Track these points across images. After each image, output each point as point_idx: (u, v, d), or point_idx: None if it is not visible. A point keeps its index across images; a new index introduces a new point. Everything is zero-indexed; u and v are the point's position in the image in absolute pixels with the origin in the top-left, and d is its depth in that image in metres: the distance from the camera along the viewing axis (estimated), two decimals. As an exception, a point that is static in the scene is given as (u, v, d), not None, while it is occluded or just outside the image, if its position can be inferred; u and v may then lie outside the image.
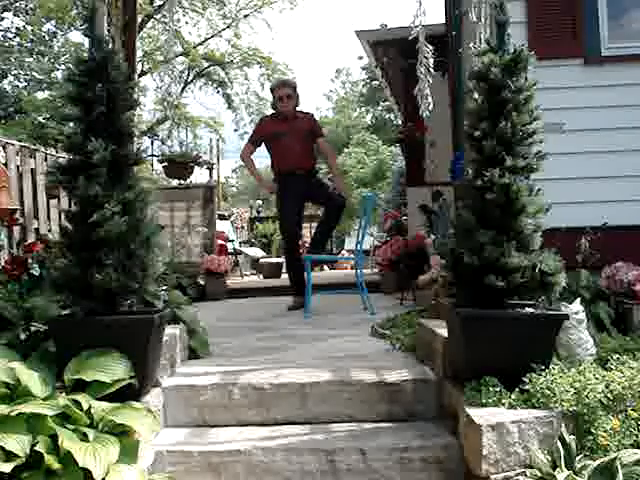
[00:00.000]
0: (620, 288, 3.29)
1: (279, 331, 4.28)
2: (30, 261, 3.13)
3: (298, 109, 5.45)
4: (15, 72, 18.72)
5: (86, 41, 2.62)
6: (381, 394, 2.69)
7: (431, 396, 2.70)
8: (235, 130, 22.18)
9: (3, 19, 18.15)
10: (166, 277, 3.11)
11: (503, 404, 2.27)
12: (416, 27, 3.46)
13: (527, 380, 2.32)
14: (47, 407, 2.07)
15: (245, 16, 18.85)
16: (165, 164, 7.40)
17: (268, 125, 5.45)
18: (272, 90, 5.47)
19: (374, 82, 26.40)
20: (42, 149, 5.51)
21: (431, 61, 3.50)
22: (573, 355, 2.61)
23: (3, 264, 3.33)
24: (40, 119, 15.12)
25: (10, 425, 1.98)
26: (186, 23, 18.56)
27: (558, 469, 2.06)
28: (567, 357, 2.59)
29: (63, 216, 2.68)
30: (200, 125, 21.91)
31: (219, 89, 21.50)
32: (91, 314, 2.52)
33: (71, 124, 2.60)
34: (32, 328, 2.71)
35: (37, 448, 1.95)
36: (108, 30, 3.27)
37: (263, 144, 5.48)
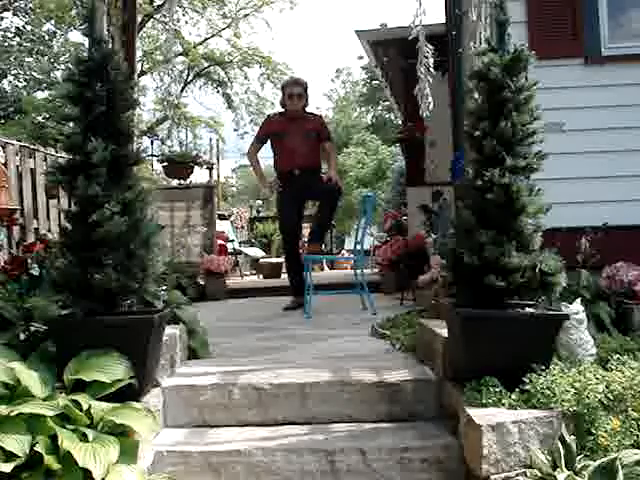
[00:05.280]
0: (620, 288, 3.29)
1: (279, 331, 4.28)
2: (30, 261, 3.13)
3: (308, 110, 5.44)
4: (15, 72, 18.73)
5: (86, 41, 2.62)
6: (381, 394, 2.69)
7: (431, 396, 2.70)
8: (235, 130, 22.20)
9: (3, 19, 18.15)
10: (166, 277, 3.10)
11: (503, 404, 2.27)
12: (416, 27, 3.45)
13: (527, 380, 2.32)
14: (47, 407, 2.07)
15: (245, 16, 18.89)
16: (165, 164, 7.40)
17: (273, 123, 5.44)
18: (283, 87, 5.46)
19: (374, 82, 26.39)
20: (41, 149, 5.51)
21: (431, 61, 3.50)
22: (573, 355, 2.61)
23: (3, 264, 3.33)
24: (39, 119, 15.13)
25: (10, 425, 1.98)
26: (186, 23, 18.63)
27: (558, 469, 2.06)
28: (567, 357, 2.59)
29: (63, 216, 2.67)
30: (200, 125, 21.92)
31: (219, 89, 21.51)
32: (91, 314, 2.52)
33: (71, 124, 2.59)
34: (32, 328, 2.71)
35: (37, 448, 1.95)
36: (108, 30, 3.27)
37: (269, 142, 5.47)
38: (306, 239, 5.97)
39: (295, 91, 5.28)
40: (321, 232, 5.46)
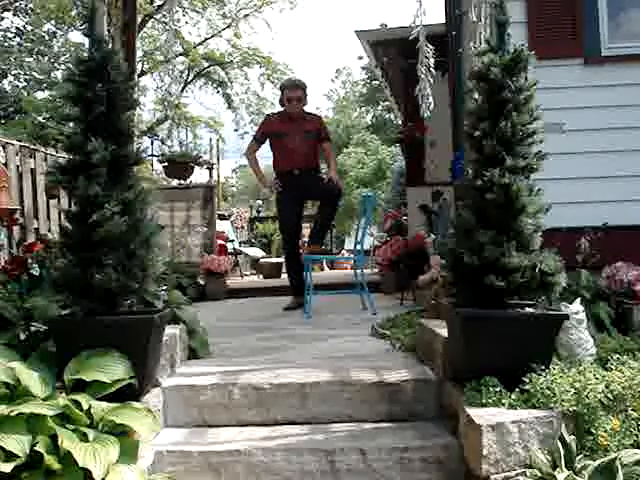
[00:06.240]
0: (620, 288, 3.29)
1: (279, 331, 4.28)
2: (30, 261, 3.13)
3: (306, 110, 5.44)
4: (15, 72, 18.72)
5: (86, 41, 2.62)
6: (381, 394, 2.69)
7: (431, 396, 2.70)
8: (235, 130, 22.19)
9: (3, 19, 18.15)
10: (166, 277, 3.10)
11: (503, 404, 2.27)
12: (416, 27, 3.46)
13: (527, 380, 2.32)
14: (47, 407, 2.07)
15: (245, 16, 18.87)
16: (165, 164, 7.41)
17: (273, 123, 5.43)
18: (282, 89, 5.43)
19: (374, 82, 26.38)
20: (42, 149, 5.51)
21: (431, 61, 3.50)
22: (573, 355, 2.61)
23: (3, 264, 3.33)
24: (40, 119, 15.12)
25: (10, 425, 1.98)
26: (186, 23, 18.61)
27: (558, 469, 2.06)
28: (567, 357, 2.59)
29: (63, 216, 2.68)
30: (200, 125, 21.92)
31: (219, 89, 21.50)
32: (91, 314, 2.52)
33: (71, 124, 2.60)
34: (32, 328, 2.71)
35: (37, 448, 1.95)
36: (108, 30, 3.27)
37: (267, 142, 5.47)
38: (306, 239, 5.96)
39: (295, 95, 5.28)
40: (321, 232, 5.46)
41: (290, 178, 5.24)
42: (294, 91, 5.29)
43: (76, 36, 19.75)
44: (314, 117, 5.53)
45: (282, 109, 5.44)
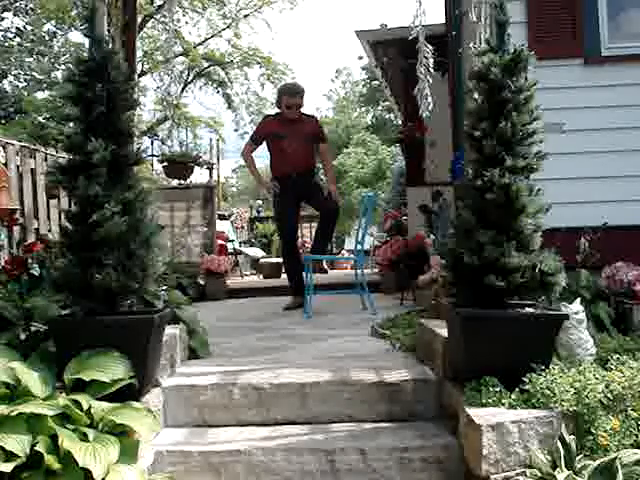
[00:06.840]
0: (620, 288, 3.29)
1: (279, 331, 4.28)
2: (30, 261, 3.13)
3: (302, 111, 5.44)
4: (15, 72, 18.73)
5: (86, 41, 2.63)
6: (381, 394, 2.69)
7: (431, 396, 2.70)
8: (235, 130, 22.17)
9: (3, 19, 18.16)
10: (166, 277, 3.11)
11: (503, 404, 2.27)
12: (416, 27, 3.46)
13: (527, 380, 2.32)
14: (47, 407, 2.07)
15: (245, 16, 18.88)
16: (165, 164, 7.40)
17: (270, 125, 5.43)
18: (281, 94, 5.41)
19: (374, 82, 26.38)
20: (42, 149, 5.51)
21: (431, 61, 3.50)
22: (573, 355, 2.61)
23: (3, 264, 3.33)
24: (40, 119, 15.11)
25: (10, 425, 1.98)
26: (186, 23, 18.61)
27: (558, 469, 2.06)
28: (567, 357, 2.59)
29: (63, 216, 2.68)
30: (200, 125, 21.90)
31: (219, 89, 21.49)
32: (91, 314, 2.52)
33: (71, 124, 2.60)
34: (32, 328, 2.71)
35: (37, 448, 1.95)
36: (108, 30, 3.27)
37: (264, 143, 5.48)
38: (305, 239, 5.97)
39: (295, 102, 5.29)
40: (322, 245, 5.48)
41: (289, 180, 5.25)
42: (294, 98, 5.30)
43: (76, 36, 19.77)
44: (311, 119, 5.55)
45: (279, 111, 5.44)
